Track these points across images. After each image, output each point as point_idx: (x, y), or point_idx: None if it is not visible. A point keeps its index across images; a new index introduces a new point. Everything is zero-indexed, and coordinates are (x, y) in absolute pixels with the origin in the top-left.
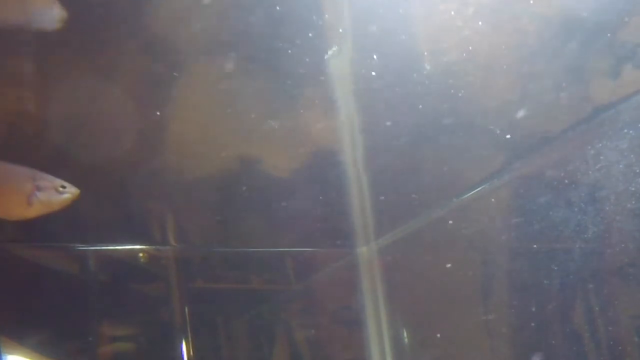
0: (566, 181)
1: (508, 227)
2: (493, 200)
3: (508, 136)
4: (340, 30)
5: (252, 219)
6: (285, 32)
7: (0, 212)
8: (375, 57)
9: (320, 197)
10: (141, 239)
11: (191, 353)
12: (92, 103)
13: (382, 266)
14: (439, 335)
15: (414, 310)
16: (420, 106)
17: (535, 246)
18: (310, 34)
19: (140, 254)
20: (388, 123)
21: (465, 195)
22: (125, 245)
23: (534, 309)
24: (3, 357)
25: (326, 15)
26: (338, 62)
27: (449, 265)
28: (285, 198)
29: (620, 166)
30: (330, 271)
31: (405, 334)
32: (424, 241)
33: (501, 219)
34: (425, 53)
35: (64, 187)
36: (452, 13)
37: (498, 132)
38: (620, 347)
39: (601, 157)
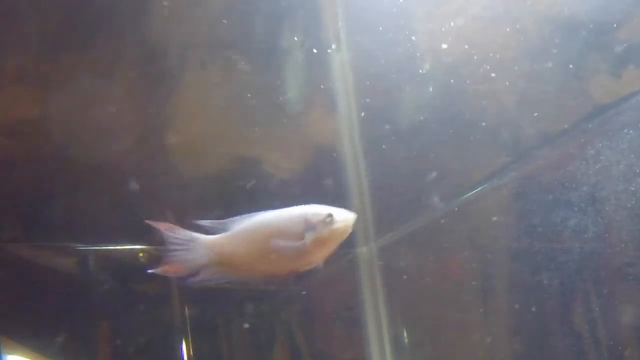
0: (566, 181)
1: (508, 227)
2: (493, 200)
3: (508, 136)
4: (340, 30)
5: None
6: (285, 32)
7: (275, 269)
8: (375, 57)
9: (320, 197)
10: (141, 239)
11: (191, 353)
12: (92, 103)
13: (382, 266)
14: (439, 335)
15: (414, 310)
16: (421, 106)
17: (535, 246)
18: (310, 34)
19: (140, 254)
20: (388, 123)
21: (465, 195)
22: (125, 245)
23: (534, 309)
24: (3, 357)
25: (326, 15)
26: (338, 62)
27: (449, 265)
28: (285, 198)
29: (620, 166)
30: (330, 271)
31: (405, 334)
32: (424, 241)
33: (501, 219)
34: (426, 53)
35: (330, 216)
36: (453, 13)
37: (498, 132)
38: (620, 347)
39: (601, 157)
